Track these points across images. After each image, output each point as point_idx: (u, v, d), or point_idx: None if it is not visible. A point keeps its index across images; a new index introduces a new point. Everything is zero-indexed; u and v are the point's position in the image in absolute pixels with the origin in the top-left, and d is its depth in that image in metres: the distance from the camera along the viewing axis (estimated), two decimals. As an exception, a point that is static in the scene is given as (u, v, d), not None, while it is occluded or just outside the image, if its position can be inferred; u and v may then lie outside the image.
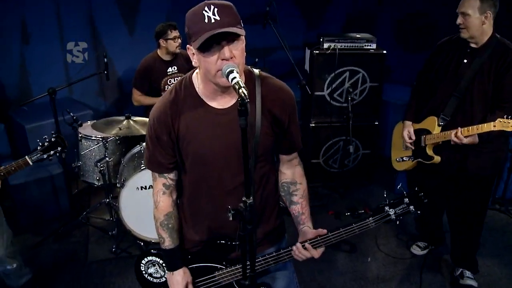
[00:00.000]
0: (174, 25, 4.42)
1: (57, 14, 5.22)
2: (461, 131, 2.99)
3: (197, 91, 1.90)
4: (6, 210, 3.33)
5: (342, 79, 4.68)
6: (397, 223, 2.01)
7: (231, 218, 1.61)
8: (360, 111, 4.76)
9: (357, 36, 4.63)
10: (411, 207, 1.99)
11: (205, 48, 1.69)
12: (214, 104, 1.89)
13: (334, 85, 4.69)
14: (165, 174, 2.04)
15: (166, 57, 4.53)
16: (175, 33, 4.40)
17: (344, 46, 4.58)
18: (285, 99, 1.96)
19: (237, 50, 1.71)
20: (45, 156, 3.07)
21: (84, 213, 4.35)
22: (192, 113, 1.89)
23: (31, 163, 3.00)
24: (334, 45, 4.55)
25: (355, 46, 4.59)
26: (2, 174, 2.90)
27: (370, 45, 4.60)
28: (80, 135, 4.23)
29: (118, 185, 3.97)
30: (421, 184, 3.60)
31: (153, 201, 2.11)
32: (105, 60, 4.10)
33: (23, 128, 4.71)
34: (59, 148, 3.12)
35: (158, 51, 4.54)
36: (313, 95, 4.71)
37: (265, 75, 1.97)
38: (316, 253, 1.98)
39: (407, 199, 2.00)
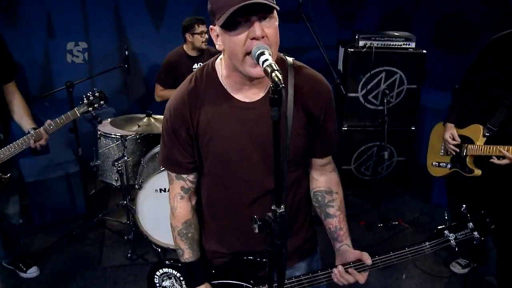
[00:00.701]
0: (202, 19, 4.22)
1: (83, 7, 5.07)
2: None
3: (221, 80, 1.63)
4: (21, 209, 3.33)
5: (377, 80, 4.38)
6: (456, 249, 1.72)
7: (257, 230, 1.34)
8: (396, 115, 4.45)
9: (395, 34, 4.33)
10: (475, 233, 1.69)
11: (231, 26, 1.41)
12: (239, 96, 1.62)
13: (369, 86, 4.39)
14: (184, 176, 1.77)
15: (192, 53, 4.34)
16: (202, 28, 4.20)
17: (381, 45, 4.28)
18: (321, 91, 1.67)
19: (269, 28, 1.43)
20: (90, 109, 3.23)
21: (100, 215, 4.14)
22: (214, 106, 1.62)
23: (78, 115, 3.18)
24: (370, 43, 4.26)
25: (392, 44, 4.29)
26: (51, 127, 3.07)
27: (408, 44, 4.29)
28: (99, 133, 4.06)
29: (136, 186, 3.75)
30: (462, 197, 3.31)
31: (170, 207, 1.84)
32: (126, 52, 3.90)
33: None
34: (102, 102, 3.26)
35: (184, 46, 4.36)
36: (346, 97, 4.42)
37: (300, 64, 1.69)
38: (362, 277, 1.69)
39: (471, 224, 1.69)
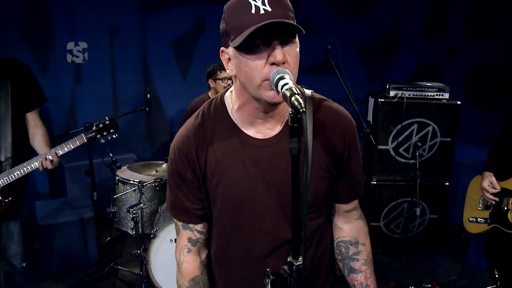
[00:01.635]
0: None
1: (111, 54, 5.12)
2: None
3: (231, 115, 1.46)
4: (33, 253, 3.23)
5: (409, 132, 4.17)
6: None
7: (269, 287, 1.13)
8: (428, 170, 4.20)
9: (428, 84, 4.16)
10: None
11: (248, 48, 1.26)
12: (252, 132, 1.44)
13: (400, 139, 4.18)
14: (191, 225, 1.57)
15: (216, 99, 4.23)
16: (224, 74, 4.13)
17: (413, 95, 4.10)
18: (345, 127, 1.49)
19: (290, 55, 1.27)
20: (98, 135, 3.12)
21: (112, 264, 3.93)
22: (223, 144, 1.45)
23: (85, 140, 3.04)
24: (402, 93, 4.09)
25: (425, 95, 4.11)
26: (58, 151, 2.90)
27: (442, 95, 4.10)
28: (117, 178, 3.93)
29: (151, 235, 3.55)
30: (503, 258, 3.00)
31: (176, 261, 1.64)
32: (148, 96, 3.83)
33: (62, 166, 4.49)
34: (112, 130, 3.16)
35: (209, 93, 4.28)
36: (376, 149, 4.21)
37: (320, 96, 1.51)
38: None
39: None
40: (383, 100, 4.14)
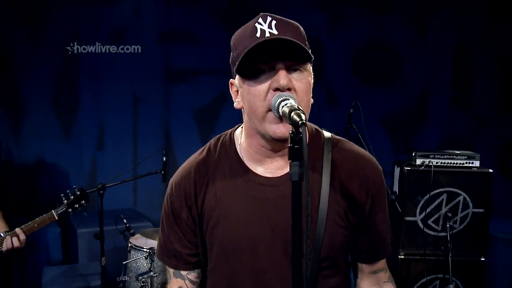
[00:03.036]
0: None
1: (134, 121, 5.15)
2: None
3: (238, 150, 1.32)
4: None
5: (438, 203, 3.92)
6: None
7: None
8: (461, 243, 3.89)
9: (456, 152, 3.97)
10: None
11: (251, 74, 1.14)
12: (259, 170, 1.29)
13: (428, 210, 3.93)
14: (183, 272, 1.38)
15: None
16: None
17: (441, 163, 3.91)
18: (368, 173, 1.31)
19: (299, 81, 1.14)
20: (70, 210, 3.04)
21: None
22: (226, 181, 1.29)
23: (56, 217, 2.96)
24: (429, 161, 3.90)
25: (453, 163, 3.91)
26: (24, 231, 2.83)
27: (472, 163, 3.89)
28: (129, 245, 3.77)
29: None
30: None
31: None
32: (164, 158, 3.74)
33: (75, 232, 4.42)
34: (83, 202, 3.10)
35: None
36: (403, 221, 3.95)
37: (339, 138, 1.36)
38: None
39: None
40: (409, 168, 3.95)
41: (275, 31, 1.13)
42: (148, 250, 3.61)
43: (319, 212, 1.18)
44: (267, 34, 1.13)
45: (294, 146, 0.91)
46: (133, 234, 3.84)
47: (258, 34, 1.14)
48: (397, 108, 5.65)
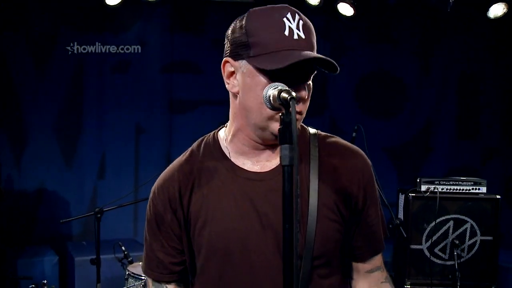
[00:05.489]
0: None
1: (136, 150, 5.15)
2: None
3: (223, 147, 1.27)
4: None
5: (444, 230, 3.83)
6: None
7: None
8: (470, 272, 3.76)
9: (462, 178, 3.90)
10: None
11: (275, 75, 1.11)
12: (247, 165, 1.24)
13: (435, 238, 3.83)
14: (164, 285, 1.30)
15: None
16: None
17: (446, 189, 3.83)
18: (357, 165, 1.27)
19: (309, 90, 1.18)
20: None
21: None
22: (212, 179, 1.23)
23: None
24: (434, 188, 3.82)
25: (459, 189, 3.84)
26: None
27: (479, 189, 3.82)
28: (127, 273, 3.66)
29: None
30: None
31: None
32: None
33: (73, 260, 4.34)
34: None
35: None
36: (408, 249, 3.85)
37: (325, 133, 1.32)
38: None
39: None
40: (414, 195, 3.87)
41: (302, 34, 1.13)
42: (146, 278, 3.51)
43: (310, 208, 1.14)
44: (296, 36, 1.12)
45: (284, 128, 0.87)
46: (131, 262, 3.75)
47: (286, 32, 1.12)
48: (402, 140, 5.62)
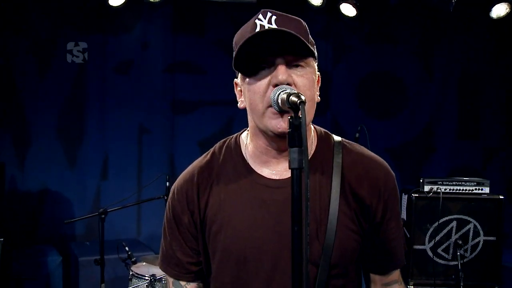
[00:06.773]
0: None
1: (139, 151, 5.14)
2: None
3: (243, 153, 1.28)
4: None
5: (447, 231, 3.82)
6: None
7: None
8: (473, 273, 3.76)
9: (465, 178, 3.90)
10: None
11: (251, 71, 1.11)
12: (266, 172, 1.24)
13: (438, 238, 3.82)
14: (182, 283, 1.31)
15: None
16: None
17: (449, 190, 3.83)
18: (378, 176, 1.25)
19: (301, 76, 1.10)
20: None
21: None
22: (230, 183, 1.24)
23: None
24: (437, 188, 3.82)
25: (462, 189, 3.84)
26: None
27: (481, 189, 3.82)
28: (131, 273, 3.67)
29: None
30: None
31: None
32: (167, 183, 3.70)
33: (77, 260, 4.34)
34: None
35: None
36: (411, 250, 3.85)
37: (350, 141, 1.32)
38: None
39: None
40: (417, 195, 3.87)
41: (274, 26, 1.11)
42: (149, 278, 3.52)
43: (329, 216, 1.13)
44: (258, 28, 1.12)
45: (293, 132, 0.87)
46: (135, 262, 3.76)
47: (257, 29, 1.12)
48: (403, 140, 5.61)
